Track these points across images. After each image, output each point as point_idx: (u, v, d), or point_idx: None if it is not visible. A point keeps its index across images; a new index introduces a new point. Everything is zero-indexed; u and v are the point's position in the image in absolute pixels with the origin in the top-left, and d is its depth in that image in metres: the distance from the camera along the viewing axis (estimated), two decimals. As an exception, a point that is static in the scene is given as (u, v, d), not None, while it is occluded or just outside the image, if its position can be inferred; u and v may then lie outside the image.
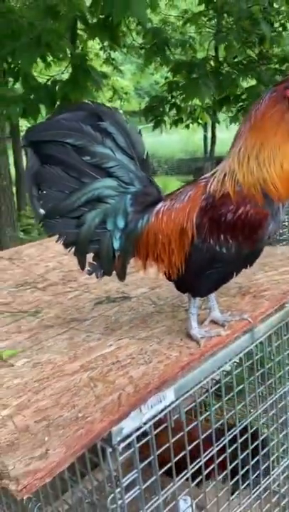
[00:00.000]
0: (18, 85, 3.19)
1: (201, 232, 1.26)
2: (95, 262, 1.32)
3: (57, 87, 3.09)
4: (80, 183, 1.26)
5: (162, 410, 1.26)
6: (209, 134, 10.62)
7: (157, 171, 15.38)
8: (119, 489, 1.22)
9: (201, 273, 1.29)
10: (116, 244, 1.30)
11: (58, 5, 3.86)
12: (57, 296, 1.88)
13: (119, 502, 1.21)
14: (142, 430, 1.21)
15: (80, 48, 8.82)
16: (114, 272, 1.36)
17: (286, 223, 4.42)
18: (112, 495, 1.18)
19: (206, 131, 11.85)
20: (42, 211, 1.26)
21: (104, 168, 1.27)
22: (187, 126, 6.84)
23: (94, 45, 9.35)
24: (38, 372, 1.22)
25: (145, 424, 1.21)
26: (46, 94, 2.98)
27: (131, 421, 1.16)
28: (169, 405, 1.27)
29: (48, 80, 3.25)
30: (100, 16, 2.86)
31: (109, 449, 1.14)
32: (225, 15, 5.65)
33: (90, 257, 1.34)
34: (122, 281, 1.36)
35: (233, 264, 1.30)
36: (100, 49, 9.28)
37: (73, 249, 1.30)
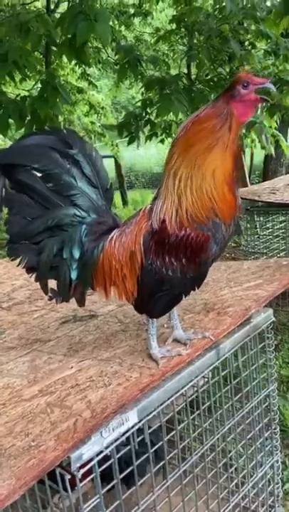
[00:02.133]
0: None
1: (148, 256, 1.27)
2: (55, 288, 1.33)
3: (26, 103, 3.08)
4: (44, 209, 1.28)
5: (125, 433, 1.24)
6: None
7: (134, 185, 15.46)
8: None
9: (151, 295, 1.30)
10: (73, 274, 1.31)
11: (31, 21, 3.88)
12: (22, 316, 1.84)
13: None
14: (103, 454, 1.19)
15: (54, 64, 8.87)
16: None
17: (260, 237, 4.50)
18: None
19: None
20: (6, 235, 1.27)
21: (67, 196, 1.29)
22: (162, 141, 6.91)
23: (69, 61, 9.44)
24: (-4, 397, 1.19)
25: (107, 448, 1.20)
26: (15, 110, 2.97)
27: (91, 445, 1.14)
28: (132, 427, 1.26)
29: (18, 95, 3.26)
30: (67, 36, 2.89)
31: (68, 476, 1.11)
32: (196, 33, 5.77)
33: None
34: (81, 306, 1.37)
35: (180, 286, 1.30)
36: (75, 65, 9.36)
37: (34, 275, 1.32)
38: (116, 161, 13.09)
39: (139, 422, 1.28)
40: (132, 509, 1.38)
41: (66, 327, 1.67)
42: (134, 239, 1.31)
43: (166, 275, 1.27)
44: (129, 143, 5.70)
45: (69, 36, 2.83)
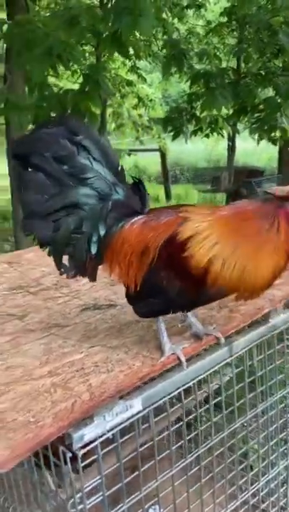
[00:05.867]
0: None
1: (157, 260, 1.29)
2: (67, 264, 1.38)
3: (68, 97, 3.17)
4: (60, 190, 1.33)
5: (129, 419, 1.29)
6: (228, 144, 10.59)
7: (179, 179, 15.40)
8: (80, 494, 1.25)
9: (144, 295, 1.32)
10: (93, 248, 1.35)
11: (81, 15, 3.97)
12: (46, 301, 1.92)
13: (80, 507, 1.24)
14: (105, 437, 1.24)
15: (105, 57, 8.97)
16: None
17: None
18: (72, 499, 1.21)
19: (230, 140, 11.84)
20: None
21: (83, 179, 1.33)
22: (207, 136, 6.85)
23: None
24: (8, 375, 1.26)
25: (109, 431, 1.24)
26: (57, 103, 3.07)
27: (94, 427, 1.19)
28: (136, 414, 1.30)
29: (60, 89, 3.35)
30: (112, 30, 2.93)
31: (69, 454, 1.17)
32: (247, 26, 5.66)
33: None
34: (92, 281, 1.42)
35: (170, 302, 1.32)
36: (126, 58, 9.43)
37: (48, 249, 1.37)
38: (162, 155, 13.11)
39: (143, 410, 1.32)
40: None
41: (85, 314, 1.73)
42: (155, 236, 1.31)
43: (164, 287, 1.29)
44: (174, 138, 5.71)
45: (113, 30, 2.87)
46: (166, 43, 4.99)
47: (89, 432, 1.18)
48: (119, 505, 1.36)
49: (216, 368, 1.52)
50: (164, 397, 1.37)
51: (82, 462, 1.20)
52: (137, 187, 1.41)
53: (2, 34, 3.43)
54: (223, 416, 1.67)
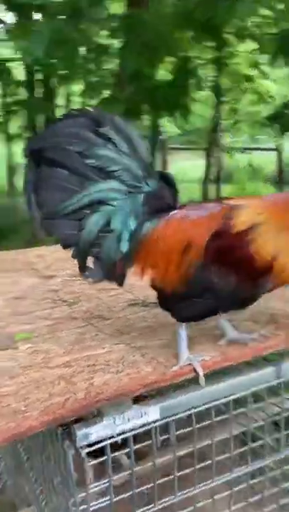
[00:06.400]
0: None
1: (206, 256, 1.18)
2: (93, 266, 1.27)
3: (159, 89, 3.12)
4: (84, 185, 1.24)
5: (144, 426, 1.21)
6: None
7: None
8: (84, 494, 1.21)
9: (186, 297, 1.21)
10: (123, 246, 1.25)
11: (195, 11, 3.86)
12: (99, 292, 1.91)
13: (82, 507, 1.19)
14: (112, 440, 1.17)
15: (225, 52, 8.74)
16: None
17: None
18: (73, 499, 1.18)
19: None
20: (37, 215, 1.24)
21: (108, 172, 1.23)
22: None
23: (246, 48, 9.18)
24: (30, 359, 1.27)
25: (119, 435, 1.18)
26: (149, 95, 3.03)
27: (101, 428, 1.14)
28: (152, 423, 1.21)
29: (151, 81, 3.30)
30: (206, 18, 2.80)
31: (72, 451, 1.13)
32: None
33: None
34: (120, 286, 1.30)
35: (222, 300, 1.19)
36: (249, 52, 9.08)
37: (73, 252, 1.26)
38: (279, 154, 12.43)
39: (161, 419, 1.23)
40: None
41: (130, 310, 1.68)
42: (199, 231, 1.22)
43: (215, 284, 1.18)
44: (282, 133, 5.34)
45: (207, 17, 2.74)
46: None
47: (96, 432, 1.13)
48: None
49: (256, 388, 1.35)
50: (188, 409, 1.26)
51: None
52: (168, 180, 1.31)
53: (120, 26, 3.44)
54: (281, 437, 1.48)
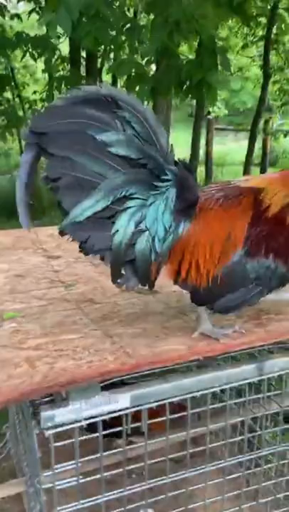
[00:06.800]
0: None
1: (248, 244, 1.16)
2: (125, 272, 1.16)
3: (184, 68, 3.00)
4: (105, 178, 1.08)
5: (113, 412, 1.21)
6: None
7: None
8: (50, 472, 1.23)
9: (233, 287, 1.19)
10: (159, 246, 1.13)
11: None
12: (100, 275, 1.91)
13: (45, 486, 1.22)
14: (78, 425, 1.18)
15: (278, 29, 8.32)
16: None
17: None
18: (37, 478, 1.20)
19: None
20: (26, 222, 1.10)
21: (133, 161, 1.10)
22: None
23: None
24: (9, 339, 1.29)
25: (87, 419, 1.19)
26: (175, 74, 2.93)
27: (67, 412, 1.15)
28: (121, 410, 1.21)
29: (178, 59, 3.18)
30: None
31: (36, 431, 1.16)
32: None
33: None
34: (151, 290, 1.23)
35: (270, 283, 1.20)
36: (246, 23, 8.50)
37: (106, 258, 1.14)
38: None
39: (132, 407, 1.23)
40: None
41: (123, 295, 1.67)
42: (234, 222, 1.18)
43: (263, 268, 1.17)
44: None
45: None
46: None
47: (60, 415, 1.14)
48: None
49: (235, 384, 1.32)
50: (162, 399, 1.25)
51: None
52: (187, 167, 1.23)
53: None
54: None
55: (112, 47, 3.72)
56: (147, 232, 1.14)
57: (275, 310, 1.39)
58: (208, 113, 11.52)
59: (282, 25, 8.67)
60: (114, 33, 3.23)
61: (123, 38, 3.37)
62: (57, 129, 1.08)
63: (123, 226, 1.11)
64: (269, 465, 1.65)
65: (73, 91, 1.11)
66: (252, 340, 1.19)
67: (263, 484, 1.57)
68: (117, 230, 1.11)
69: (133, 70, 2.98)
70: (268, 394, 1.43)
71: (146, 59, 4.03)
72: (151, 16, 3.16)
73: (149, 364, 1.09)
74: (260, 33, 9.25)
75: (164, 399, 1.24)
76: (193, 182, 1.22)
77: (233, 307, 1.25)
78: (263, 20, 8.97)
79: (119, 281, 1.19)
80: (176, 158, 1.19)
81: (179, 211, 1.17)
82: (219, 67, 2.82)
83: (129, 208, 1.13)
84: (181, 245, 1.18)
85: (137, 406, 1.22)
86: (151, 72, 3.48)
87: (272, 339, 1.21)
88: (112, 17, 3.01)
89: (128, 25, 3.39)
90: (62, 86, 7.47)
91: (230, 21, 8.49)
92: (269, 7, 8.21)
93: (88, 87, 1.11)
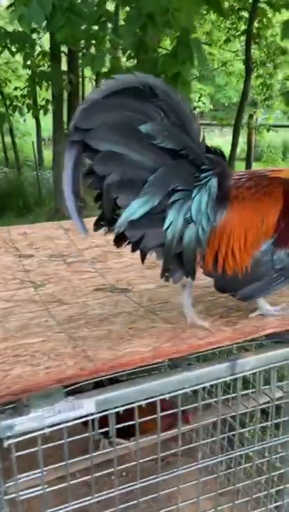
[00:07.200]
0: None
1: (277, 234, 1.18)
2: (169, 265, 1.14)
3: (159, 61, 2.95)
4: (154, 172, 1.06)
5: (78, 419, 1.16)
6: None
7: None
8: (13, 483, 1.18)
9: (259, 276, 1.20)
10: (203, 237, 1.13)
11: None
12: (73, 274, 1.86)
13: (8, 496, 1.17)
14: (41, 432, 1.13)
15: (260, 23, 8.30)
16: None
17: None
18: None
19: None
20: (83, 229, 1.10)
21: (175, 152, 1.08)
22: None
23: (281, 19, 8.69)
24: None
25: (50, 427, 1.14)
26: (151, 68, 2.88)
27: (27, 420, 1.10)
28: (86, 416, 1.16)
29: (154, 53, 3.13)
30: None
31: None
32: None
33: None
34: (193, 280, 1.19)
35: None
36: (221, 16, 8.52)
37: (157, 254, 1.12)
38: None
39: (98, 413, 1.18)
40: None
41: (94, 295, 1.62)
42: (267, 210, 1.19)
43: (285, 259, 1.19)
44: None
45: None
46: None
47: (21, 423, 1.09)
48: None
49: (207, 384, 1.28)
50: (129, 403, 1.20)
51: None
52: (222, 155, 1.21)
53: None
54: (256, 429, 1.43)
55: (94, 41, 3.65)
56: (192, 224, 1.13)
57: (245, 308, 1.35)
58: (194, 108, 11.50)
59: (264, 20, 8.66)
60: (90, 27, 3.17)
61: (101, 32, 3.30)
62: (102, 123, 1.03)
63: (174, 220, 1.10)
64: (248, 464, 1.63)
65: (108, 81, 1.06)
66: (219, 339, 1.14)
67: (243, 483, 1.54)
68: (170, 225, 1.10)
69: (107, 64, 2.92)
70: (242, 392, 1.39)
71: (127, 53, 3.99)
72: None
73: (109, 369, 1.04)
74: (243, 27, 9.22)
75: (132, 403, 1.19)
76: (229, 170, 1.23)
77: (256, 295, 1.28)
78: (245, 14, 8.95)
79: (166, 274, 1.17)
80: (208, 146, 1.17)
81: (218, 200, 1.17)
82: (196, 62, 2.78)
83: (177, 201, 1.11)
84: (219, 234, 1.19)
85: (104, 411, 1.17)
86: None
87: (240, 338, 1.17)
88: (87, 10, 2.95)
89: (103, 18, 3.32)
90: (44, 82, 7.38)
91: (212, 15, 8.46)
92: (250, 0, 8.19)
93: (122, 76, 1.06)
